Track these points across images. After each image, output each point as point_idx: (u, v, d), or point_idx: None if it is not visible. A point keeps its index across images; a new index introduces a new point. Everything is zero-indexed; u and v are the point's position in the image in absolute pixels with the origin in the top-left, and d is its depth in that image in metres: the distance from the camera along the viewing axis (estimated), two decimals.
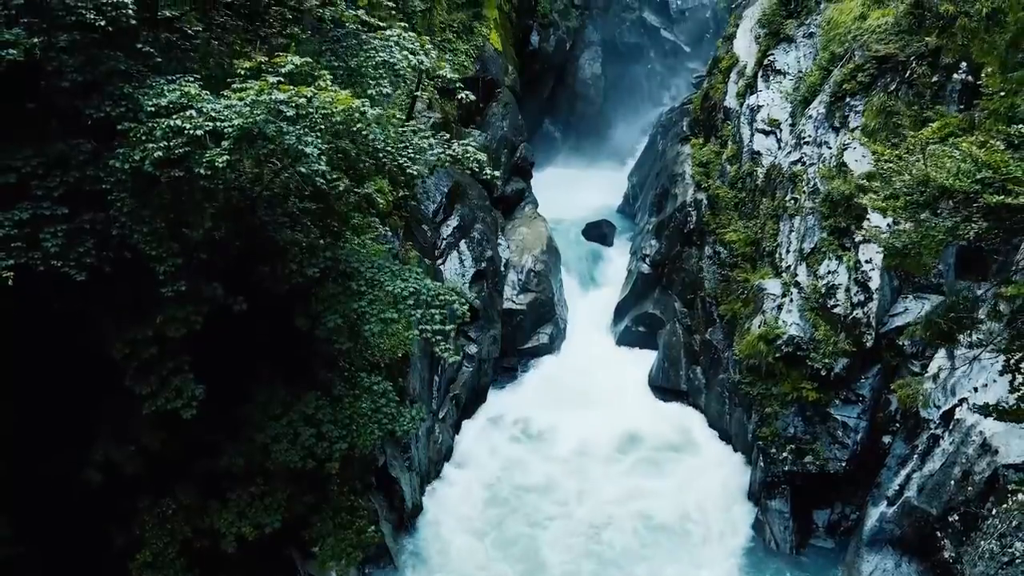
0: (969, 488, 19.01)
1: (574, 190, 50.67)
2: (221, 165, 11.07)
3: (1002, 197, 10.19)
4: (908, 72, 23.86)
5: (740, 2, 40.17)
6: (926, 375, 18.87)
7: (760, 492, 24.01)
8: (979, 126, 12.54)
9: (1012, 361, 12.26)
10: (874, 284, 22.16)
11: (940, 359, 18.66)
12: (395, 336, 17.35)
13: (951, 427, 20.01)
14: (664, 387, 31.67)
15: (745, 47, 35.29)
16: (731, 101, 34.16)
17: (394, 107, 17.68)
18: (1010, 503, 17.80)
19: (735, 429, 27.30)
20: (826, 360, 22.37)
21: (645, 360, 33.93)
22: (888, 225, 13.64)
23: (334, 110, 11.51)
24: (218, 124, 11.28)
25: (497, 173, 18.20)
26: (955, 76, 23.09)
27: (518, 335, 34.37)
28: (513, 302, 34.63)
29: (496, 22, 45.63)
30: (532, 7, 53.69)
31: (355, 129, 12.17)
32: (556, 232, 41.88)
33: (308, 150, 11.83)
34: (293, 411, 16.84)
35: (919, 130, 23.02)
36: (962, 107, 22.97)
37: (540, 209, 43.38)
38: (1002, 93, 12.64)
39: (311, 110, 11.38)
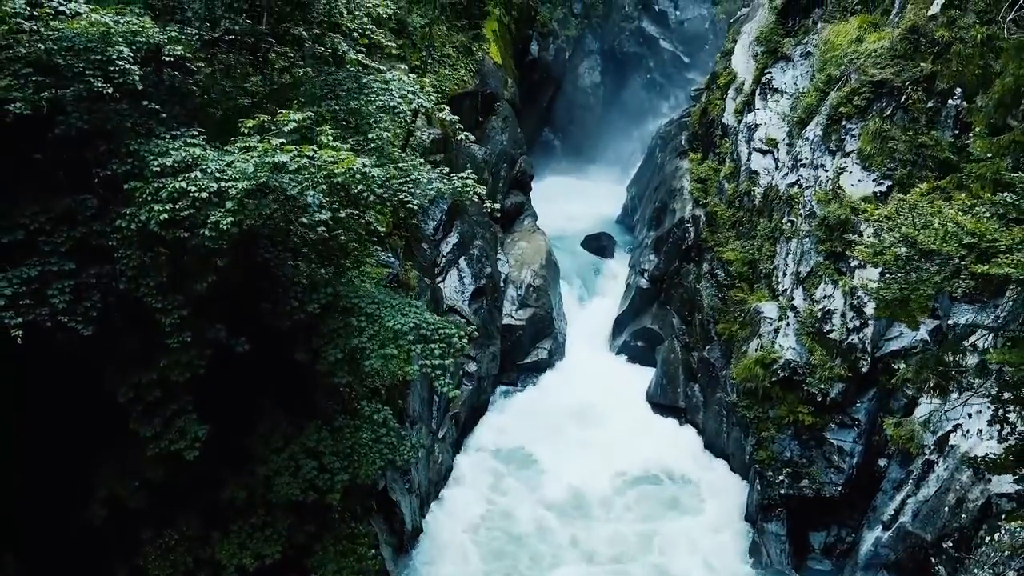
0: (963, 515, 19.22)
1: (573, 199, 50.98)
2: (226, 227, 11.28)
3: (986, 267, 10.39)
4: (903, 97, 24.03)
5: (738, 17, 40.37)
6: (917, 417, 19.09)
7: (757, 514, 24.20)
8: (967, 187, 12.71)
9: (1000, 412, 12.49)
10: (869, 309, 22.29)
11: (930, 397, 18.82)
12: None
13: (945, 453, 20.22)
14: (662, 404, 31.87)
15: (743, 63, 35.48)
16: (729, 118, 34.36)
17: (392, 134, 17.78)
18: (1002, 532, 18.04)
19: (732, 448, 27.50)
20: (822, 385, 22.58)
21: (643, 375, 34.14)
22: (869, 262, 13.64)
23: (335, 171, 11.72)
24: (223, 184, 11.48)
25: (497, 206, 18.44)
26: (950, 102, 23.28)
27: (517, 350, 34.59)
28: (512, 317, 34.84)
29: (496, 34, 45.82)
30: (532, 17, 53.89)
31: (356, 191, 12.38)
32: (555, 244, 42.09)
33: (310, 199, 12.05)
34: (295, 443, 17.07)
35: (914, 154, 23.56)
36: (956, 132, 23.22)
37: (539, 219, 43.60)
38: (989, 154, 12.81)
39: (313, 170, 11.59)
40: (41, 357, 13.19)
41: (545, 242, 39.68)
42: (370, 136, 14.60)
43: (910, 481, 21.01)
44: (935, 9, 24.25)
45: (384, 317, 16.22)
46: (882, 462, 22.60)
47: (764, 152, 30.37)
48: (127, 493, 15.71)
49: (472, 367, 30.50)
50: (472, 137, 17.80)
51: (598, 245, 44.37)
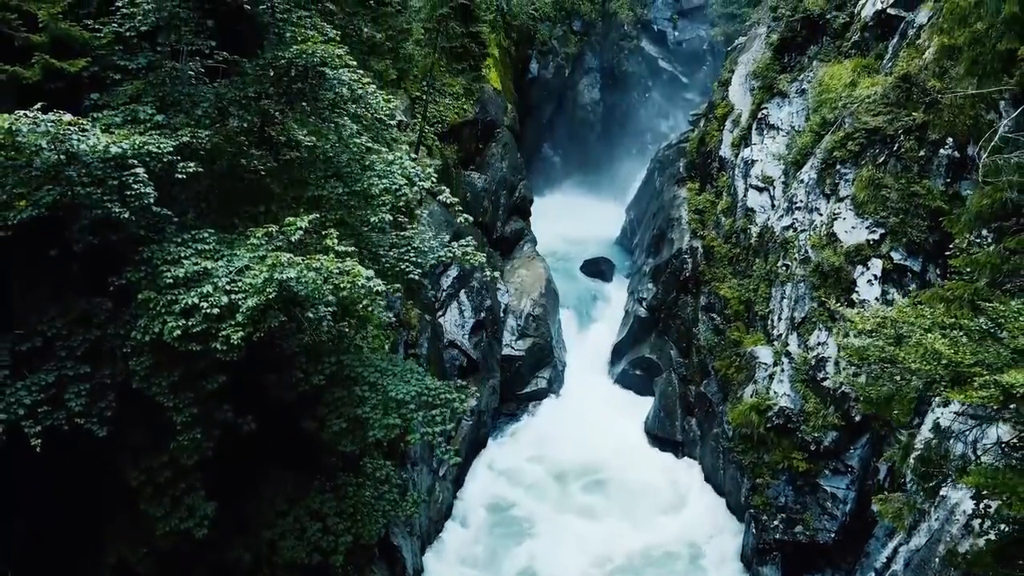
0: (952, 568, 19.57)
1: (573, 218, 51.39)
2: (236, 342, 11.70)
3: (961, 396, 10.83)
4: (896, 145, 24.42)
5: (735, 46, 40.76)
6: (907, 493, 19.51)
7: (752, 557, 24.60)
8: (946, 299, 13.13)
9: (981, 506, 12.88)
10: None
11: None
12: None
13: (936, 503, 20.61)
14: (660, 436, 32.26)
15: (740, 96, 35.88)
16: (726, 151, 34.76)
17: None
18: None
19: (729, 486, 27.88)
20: (816, 434, 22.97)
21: (641, 405, 34.56)
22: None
23: (341, 284, 12.12)
24: (233, 297, 11.90)
25: (497, 275, 18.83)
26: (941, 151, 23.64)
27: (517, 381, 34.94)
28: (512, 348, 35.20)
29: (495, 59, 46.22)
30: (532, 36, 54.34)
31: (362, 306, 12.81)
32: (554, 267, 42.52)
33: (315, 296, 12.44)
34: (299, 506, 17.45)
35: (906, 203, 23.94)
36: (948, 180, 23.64)
37: (539, 237, 43.99)
38: (968, 269, 13.19)
39: (320, 282, 11.98)
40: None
41: (544, 269, 40.04)
42: (372, 220, 15.04)
43: (902, 529, 21.38)
44: (927, 58, 24.63)
45: (387, 386, 16.58)
46: (875, 507, 22.98)
47: (760, 189, 30.76)
48: (136, 559, 16.10)
49: (472, 402, 30.82)
50: (470, 218, 18.16)
51: (597, 270, 44.85)
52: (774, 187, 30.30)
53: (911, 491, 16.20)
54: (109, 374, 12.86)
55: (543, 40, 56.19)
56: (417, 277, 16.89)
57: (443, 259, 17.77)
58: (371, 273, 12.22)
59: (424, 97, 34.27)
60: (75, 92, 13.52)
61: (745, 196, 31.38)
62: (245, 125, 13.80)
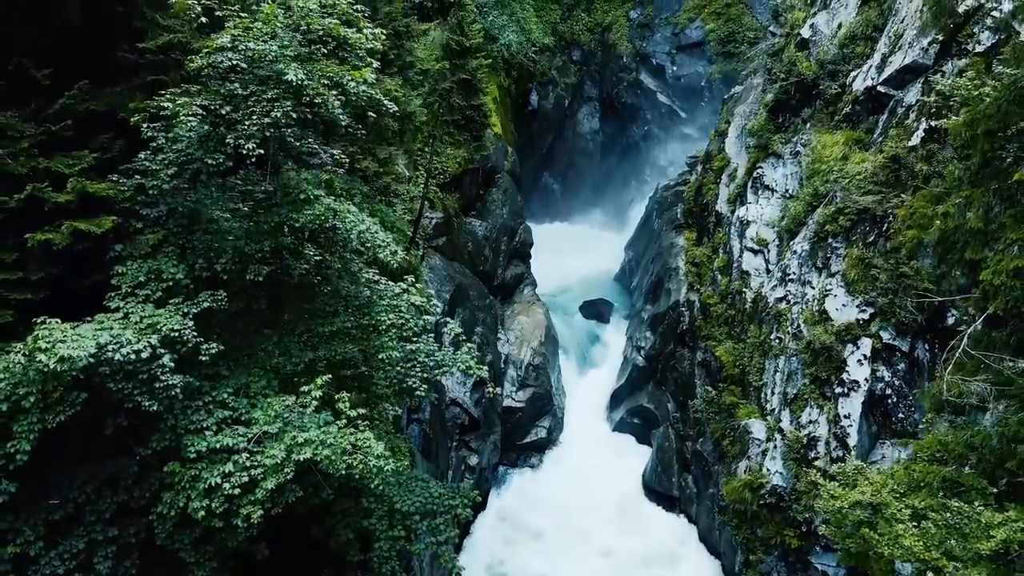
0: None
1: (573, 250, 52.12)
2: (256, 520, 12.47)
3: None
4: (885, 225, 25.11)
5: (732, 94, 41.38)
6: None
7: None
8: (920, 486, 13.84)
9: None
10: (852, 440, 23.48)
11: None
12: None
13: None
14: (657, 491, 33.05)
15: (736, 150, 36.56)
16: (723, 206, 35.48)
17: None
18: None
19: (724, 547, 28.66)
20: (807, 513, 23.73)
21: (640, 454, 35.43)
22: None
23: (353, 463, 12.89)
24: (253, 473, 12.68)
25: (498, 391, 19.53)
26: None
27: (517, 431, 35.68)
28: (512, 399, 35.89)
29: (496, 100, 46.95)
30: (532, 72, 55.19)
31: (373, 485, 13.57)
32: (553, 309, 43.29)
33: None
34: None
35: (895, 283, 24.63)
36: (936, 262, 24.32)
37: (538, 268, 44.70)
38: (939, 452, 13.87)
39: (334, 459, 12.75)
40: None
41: (544, 314, 40.71)
42: (380, 357, 15.82)
43: None
44: (915, 140, 25.28)
45: (392, 497, 17.35)
46: None
47: (755, 252, 31.44)
48: None
49: (474, 460, 31.65)
50: (473, 347, 18.90)
51: (596, 311, 45.58)
52: (768, 250, 30.99)
53: None
54: (134, 532, 13.64)
55: (543, 71, 57.01)
56: (423, 393, 17.64)
57: (447, 371, 18.53)
58: (381, 449, 12.98)
59: (427, 150, 34.86)
60: (100, 246, 14.27)
61: (740, 257, 32.09)
62: (261, 277, 14.53)
